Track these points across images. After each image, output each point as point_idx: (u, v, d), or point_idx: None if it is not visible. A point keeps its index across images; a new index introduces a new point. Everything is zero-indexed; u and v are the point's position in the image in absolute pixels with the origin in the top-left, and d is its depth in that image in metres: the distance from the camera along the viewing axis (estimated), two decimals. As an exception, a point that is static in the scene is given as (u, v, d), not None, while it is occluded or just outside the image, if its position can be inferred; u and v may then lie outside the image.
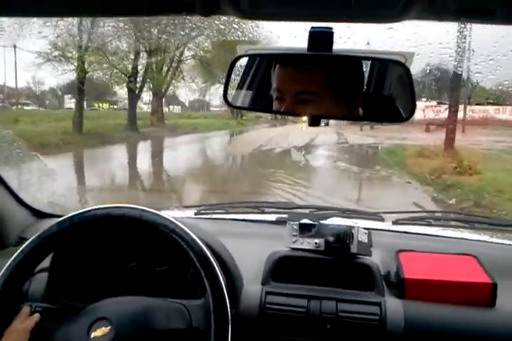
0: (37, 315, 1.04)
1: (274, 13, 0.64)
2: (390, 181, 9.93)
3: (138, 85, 18.73)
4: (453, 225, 1.53)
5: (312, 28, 0.74)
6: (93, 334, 0.96)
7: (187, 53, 20.66)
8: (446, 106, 22.62)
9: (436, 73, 16.82)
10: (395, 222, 1.55)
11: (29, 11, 0.72)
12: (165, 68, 20.49)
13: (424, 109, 22.96)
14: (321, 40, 0.73)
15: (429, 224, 1.54)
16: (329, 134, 20.00)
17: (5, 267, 1.05)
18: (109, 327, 0.96)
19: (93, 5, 0.67)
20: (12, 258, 1.05)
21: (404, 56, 0.79)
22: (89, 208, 1.07)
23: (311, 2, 0.60)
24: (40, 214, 1.65)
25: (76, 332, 0.98)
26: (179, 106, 42.92)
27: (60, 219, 1.06)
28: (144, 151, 15.73)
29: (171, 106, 42.39)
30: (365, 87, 0.95)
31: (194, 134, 20.48)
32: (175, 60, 20.40)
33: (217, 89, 34.84)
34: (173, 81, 22.04)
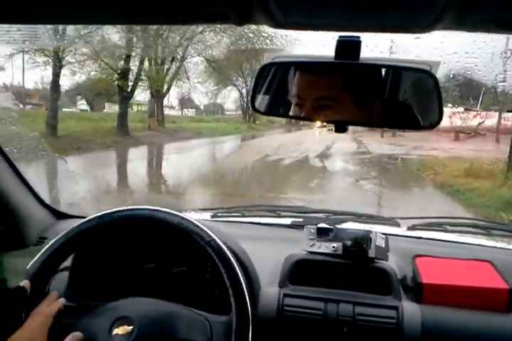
0: (62, 300, 1.05)
1: (306, 22, 0.65)
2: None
3: (130, 83, 16.49)
4: (469, 231, 1.53)
5: (340, 36, 0.76)
6: (115, 331, 0.97)
7: (192, 51, 18.36)
8: (475, 112, 21.31)
9: (459, 78, 16.07)
10: (411, 228, 1.56)
11: (45, 17, 0.74)
12: (165, 66, 18.59)
13: (451, 116, 21.44)
14: (348, 48, 0.75)
15: (445, 230, 1.55)
16: (347, 142, 18.21)
17: (29, 265, 1.07)
18: (131, 327, 0.98)
19: (125, 13, 0.69)
20: (36, 258, 1.07)
21: (429, 65, 0.81)
22: (115, 209, 1.09)
23: (342, 12, 0.62)
24: (59, 215, 1.68)
25: (98, 328, 0.99)
26: (193, 110, 42.44)
27: (86, 219, 1.09)
28: (124, 161, 12.72)
29: (185, 110, 41.98)
30: (386, 94, 0.96)
31: (195, 140, 18.50)
32: (177, 57, 18.35)
33: (230, 92, 34.84)
34: (177, 81, 20.36)
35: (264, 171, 10.99)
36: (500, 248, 1.49)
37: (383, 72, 0.94)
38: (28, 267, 1.07)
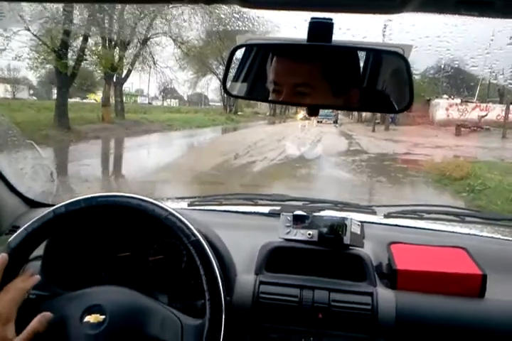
0: (37, 277, 1.03)
1: (275, 2, 0.64)
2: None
3: (72, 64, 13.39)
4: (444, 218, 1.55)
5: (312, 18, 0.75)
6: (86, 319, 0.96)
7: (158, 30, 15.80)
8: (473, 104, 19.71)
9: (449, 69, 14.70)
10: (387, 216, 1.57)
11: None
12: (120, 46, 15.44)
13: (448, 108, 20.31)
14: (320, 30, 0.73)
15: (421, 218, 1.56)
16: (335, 136, 16.88)
17: (11, 239, 1.04)
18: (103, 316, 0.96)
19: None
20: (17, 233, 1.04)
21: (402, 49, 0.80)
22: (86, 196, 1.06)
23: None
24: (32, 204, 1.65)
25: (69, 313, 0.98)
26: (176, 100, 41.33)
27: (56, 206, 1.06)
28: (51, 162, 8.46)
29: (168, 100, 40.93)
30: (363, 80, 0.96)
31: (157, 134, 15.97)
32: (137, 36, 15.31)
33: (210, 81, 32.96)
34: (141, 64, 17.08)
35: (224, 183, 7.47)
36: (474, 234, 1.51)
37: (361, 60, 0.93)
38: (9, 240, 1.04)
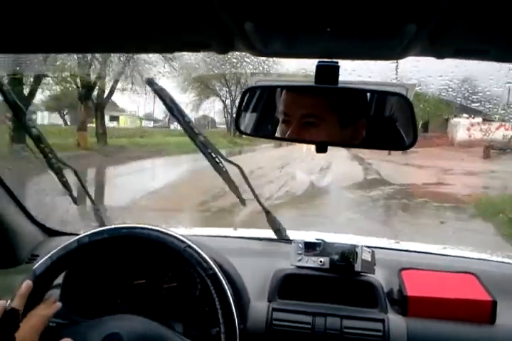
0: (59, 304, 1.06)
1: (286, 51, 0.69)
2: None
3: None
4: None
5: (319, 61, 0.80)
6: None
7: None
8: (497, 124, 17.28)
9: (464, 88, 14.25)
10: (397, 241, 1.59)
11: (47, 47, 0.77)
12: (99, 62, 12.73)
13: (469, 128, 18.60)
14: (327, 73, 0.78)
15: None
16: (347, 161, 14.69)
17: (36, 266, 1.08)
18: None
19: (114, 41, 0.72)
20: (42, 261, 1.09)
21: (406, 87, 0.84)
22: (109, 227, 1.11)
23: (319, 42, 0.66)
24: (50, 232, 1.69)
25: (88, 340, 1.01)
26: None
27: (80, 236, 1.11)
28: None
29: (175, 124, 41.02)
30: (370, 113, 1.00)
31: (142, 161, 13.91)
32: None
33: (214, 103, 31.96)
34: (127, 84, 13.92)
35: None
36: (484, 259, 1.52)
37: (369, 95, 0.97)
38: (34, 267, 1.08)
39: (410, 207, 7.64)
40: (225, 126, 32.33)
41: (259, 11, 0.56)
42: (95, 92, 14.92)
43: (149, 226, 1.10)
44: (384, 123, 0.99)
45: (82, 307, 1.21)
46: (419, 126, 19.71)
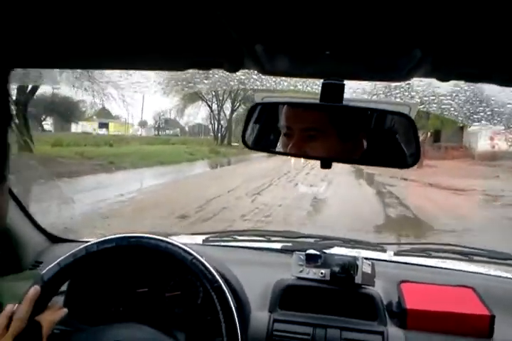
0: (65, 310, 1.07)
1: (293, 71, 0.72)
2: None
3: None
4: (452, 257, 1.59)
5: (325, 79, 0.82)
6: None
7: None
8: None
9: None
10: (397, 253, 1.61)
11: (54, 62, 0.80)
12: None
13: (493, 137, 16.01)
14: (332, 91, 0.80)
15: (429, 256, 1.60)
16: (352, 181, 12.02)
17: (44, 271, 1.11)
18: None
19: (127, 58, 0.75)
20: (39, 278, 1.10)
21: (409, 106, 0.87)
22: (118, 235, 1.13)
23: (325, 63, 0.69)
24: (54, 239, 1.71)
25: None
26: (174, 131, 38.75)
27: (89, 243, 1.13)
28: None
29: (167, 131, 38.44)
30: (371, 130, 1.02)
31: (65, 179, 9.14)
32: None
33: (198, 108, 28.74)
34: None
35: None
36: (481, 273, 1.54)
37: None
38: (43, 273, 1.10)
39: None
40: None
41: (268, 33, 0.59)
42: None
43: (157, 237, 1.12)
44: (386, 141, 1.01)
45: (85, 314, 1.23)
46: (429, 135, 18.10)
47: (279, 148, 1.03)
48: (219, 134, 27.96)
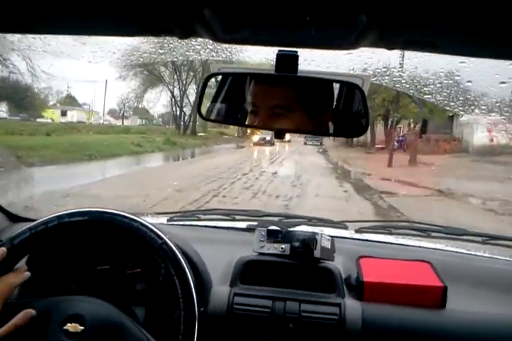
0: (28, 273, 1.06)
1: (245, 38, 0.72)
2: None
3: None
4: (411, 234, 1.63)
5: (279, 50, 0.83)
6: (66, 326, 1.00)
7: None
8: None
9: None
10: (358, 231, 1.64)
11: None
12: None
13: (490, 129, 13.82)
14: (287, 62, 0.81)
15: (390, 233, 1.64)
16: (332, 180, 10.12)
17: (14, 235, 1.10)
18: (82, 327, 1.00)
19: (75, 23, 0.74)
20: (7, 240, 1.10)
21: (362, 78, 0.89)
22: (87, 209, 1.13)
23: (277, 30, 0.69)
24: (15, 218, 1.68)
25: (51, 317, 1.01)
26: (142, 120, 37.49)
27: (60, 213, 1.13)
28: None
29: (139, 120, 37.25)
30: (334, 104, 1.04)
31: None
32: None
33: (159, 93, 26.08)
34: None
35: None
36: (439, 249, 1.59)
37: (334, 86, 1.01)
38: (12, 236, 1.10)
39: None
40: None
41: None
42: None
43: (130, 216, 1.13)
44: (347, 116, 1.03)
45: (45, 291, 1.22)
46: (414, 125, 17.11)
47: (238, 120, 1.04)
48: (181, 123, 24.95)
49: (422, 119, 16.41)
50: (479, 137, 15.19)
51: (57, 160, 11.43)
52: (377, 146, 17.74)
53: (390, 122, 19.10)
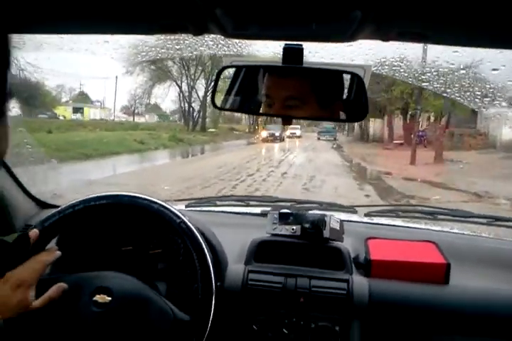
0: (59, 253, 1.16)
1: (254, 33, 0.80)
2: None
3: None
4: (418, 217, 1.70)
5: (286, 44, 0.91)
6: (95, 297, 1.11)
7: None
8: None
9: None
10: (367, 214, 1.72)
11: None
12: None
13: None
14: (292, 54, 0.89)
15: (397, 216, 1.71)
16: (353, 186, 8.80)
17: (44, 218, 1.22)
18: (110, 298, 1.10)
19: (91, 23, 0.82)
20: (39, 223, 1.22)
21: (363, 68, 0.96)
22: (109, 193, 1.24)
23: (282, 26, 0.77)
24: (43, 205, 1.79)
25: (81, 291, 1.12)
26: (156, 116, 36.82)
27: (85, 198, 1.23)
28: None
29: (147, 116, 36.65)
30: (346, 94, 1.11)
31: None
32: None
33: (167, 89, 25.17)
34: None
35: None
36: (445, 231, 1.66)
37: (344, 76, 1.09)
38: (42, 219, 1.21)
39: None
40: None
41: None
42: None
43: (150, 198, 1.23)
44: (354, 104, 1.11)
45: (74, 268, 1.32)
46: (434, 119, 16.72)
47: (251, 110, 1.11)
48: (190, 118, 24.02)
49: (444, 113, 15.63)
50: (508, 131, 14.39)
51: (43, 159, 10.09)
52: (395, 142, 16.99)
53: (408, 116, 18.53)
